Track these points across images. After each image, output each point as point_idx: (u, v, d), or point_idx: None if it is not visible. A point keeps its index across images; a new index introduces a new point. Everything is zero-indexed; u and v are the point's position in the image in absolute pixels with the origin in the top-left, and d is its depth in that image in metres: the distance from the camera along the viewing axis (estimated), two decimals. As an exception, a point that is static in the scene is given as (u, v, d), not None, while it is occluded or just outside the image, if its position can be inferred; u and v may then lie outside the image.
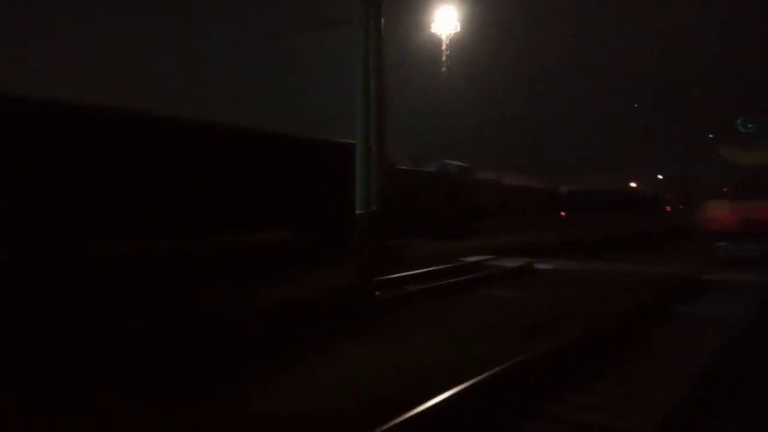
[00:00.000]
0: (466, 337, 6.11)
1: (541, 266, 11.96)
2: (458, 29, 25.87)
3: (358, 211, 11.57)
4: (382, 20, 11.75)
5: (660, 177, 69.00)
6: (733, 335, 5.41)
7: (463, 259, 12.65)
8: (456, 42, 26.19)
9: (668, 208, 51.97)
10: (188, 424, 3.86)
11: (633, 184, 62.40)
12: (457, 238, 18.09)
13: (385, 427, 3.20)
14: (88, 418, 3.87)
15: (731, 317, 6.54)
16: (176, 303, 7.77)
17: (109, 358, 5.07)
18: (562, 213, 32.92)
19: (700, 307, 7.73)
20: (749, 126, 12.45)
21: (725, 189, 12.73)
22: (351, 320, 7.10)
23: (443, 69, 26.11)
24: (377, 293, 9.01)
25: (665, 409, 3.55)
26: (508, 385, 4.08)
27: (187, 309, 7.37)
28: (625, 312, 6.53)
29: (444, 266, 11.23)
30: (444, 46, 25.92)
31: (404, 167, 18.90)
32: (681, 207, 42.89)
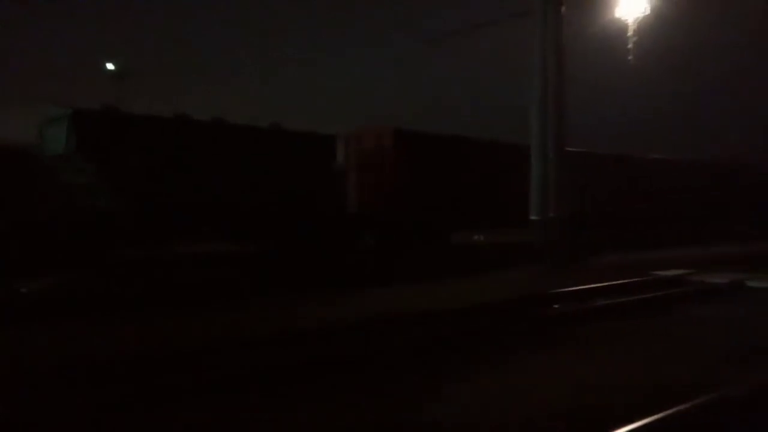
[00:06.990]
0: (661, 359, 5.45)
1: (754, 284, 10.00)
2: (648, 12, 23.00)
3: (532, 217, 10.79)
4: (563, 8, 10.80)
5: None
6: None
7: (656, 272, 11.14)
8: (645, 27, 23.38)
9: None
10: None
11: None
12: None
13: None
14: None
15: None
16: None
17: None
18: None
19: None
20: None
21: None
22: (530, 331, 6.67)
23: (630, 58, 23.52)
24: (556, 306, 8.32)
25: None
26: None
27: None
28: None
29: (633, 280, 9.95)
30: (630, 32, 23.30)
31: None
32: None
